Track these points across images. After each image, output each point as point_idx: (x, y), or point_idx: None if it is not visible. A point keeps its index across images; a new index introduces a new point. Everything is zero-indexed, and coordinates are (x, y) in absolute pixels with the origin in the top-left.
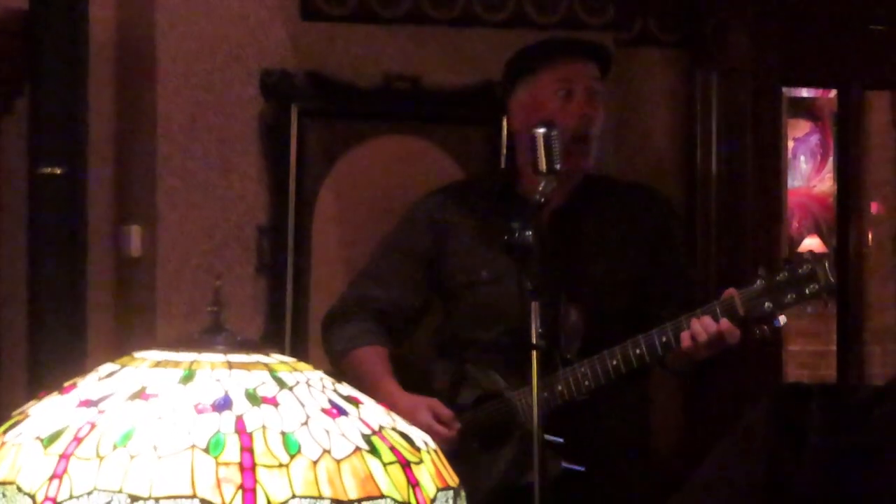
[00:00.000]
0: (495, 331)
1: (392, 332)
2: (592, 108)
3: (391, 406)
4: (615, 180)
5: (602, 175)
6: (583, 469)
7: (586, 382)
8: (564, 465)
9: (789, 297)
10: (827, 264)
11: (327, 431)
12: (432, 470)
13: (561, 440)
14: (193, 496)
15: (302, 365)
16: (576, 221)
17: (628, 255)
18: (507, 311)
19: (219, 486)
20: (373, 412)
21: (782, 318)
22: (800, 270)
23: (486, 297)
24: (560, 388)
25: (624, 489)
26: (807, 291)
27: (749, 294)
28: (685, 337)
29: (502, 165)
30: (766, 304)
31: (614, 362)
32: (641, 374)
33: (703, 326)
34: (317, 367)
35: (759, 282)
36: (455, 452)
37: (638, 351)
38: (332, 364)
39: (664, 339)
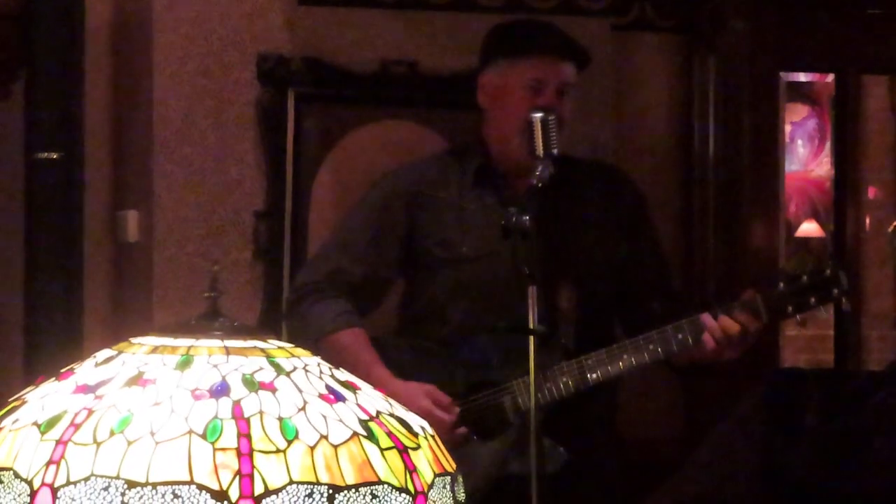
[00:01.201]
0: (472, 309)
1: (359, 307)
2: (560, 104)
3: (386, 393)
4: (579, 159)
5: (565, 154)
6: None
7: (593, 375)
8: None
9: (812, 300)
10: (843, 272)
11: (325, 417)
12: (430, 455)
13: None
14: (191, 482)
15: (299, 350)
16: (552, 202)
17: (607, 235)
18: (493, 291)
19: (216, 471)
20: (370, 398)
21: (800, 318)
22: (823, 274)
23: (468, 275)
24: (566, 379)
25: (595, 464)
26: (830, 294)
27: (772, 296)
28: (708, 340)
29: None
30: (789, 307)
31: (625, 356)
32: None
33: (724, 326)
34: (314, 352)
35: (781, 285)
36: (453, 439)
37: (651, 346)
38: (306, 343)
39: (680, 336)
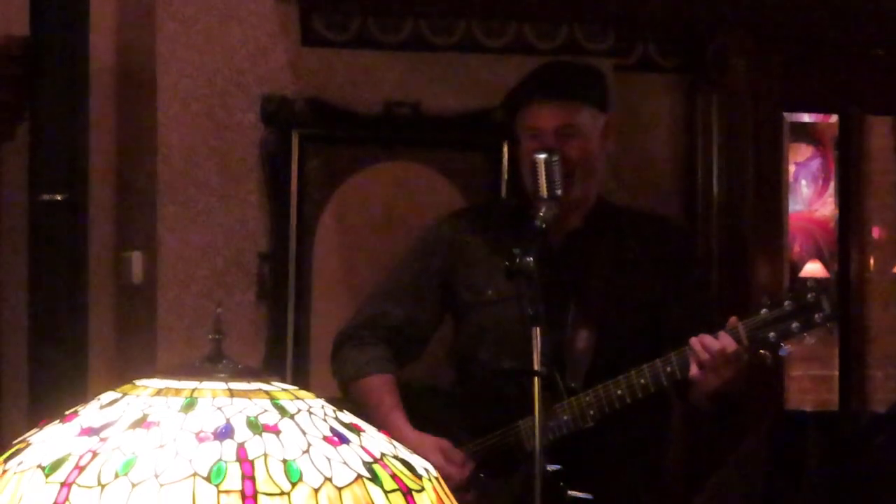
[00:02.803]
0: (497, 352)
1: (401, 351)
2: (564, 145)
3: (400, 441)
4: (636, 210)
5: (622, 204)
6: (591, 497)
7: (591, 412)
8: (571, 493)
9: (794, 325)
10: (828, 297)
11: (329, 459)
12: (434, 497)
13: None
14: None
15: (303, 393)
16: (589, 244)
17: (641, 280)
18: (509, 333)
19: None
20: (374, 440)
21: (787, 348)
22: (805, 299)
23: (490, 318)
24: (565, 417)
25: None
26: (813, 320)
27: (753, 323)
28: (693, 365)
29: (503, 190)
30: (771, 333)
31: (619, 392)
32: (658, 407)
33: (702, 344)
34: (318, 394)
35: (763, 311)
36: (465, 485)
37: (643, 381)
38: (340, 387)
39: (668, 368)
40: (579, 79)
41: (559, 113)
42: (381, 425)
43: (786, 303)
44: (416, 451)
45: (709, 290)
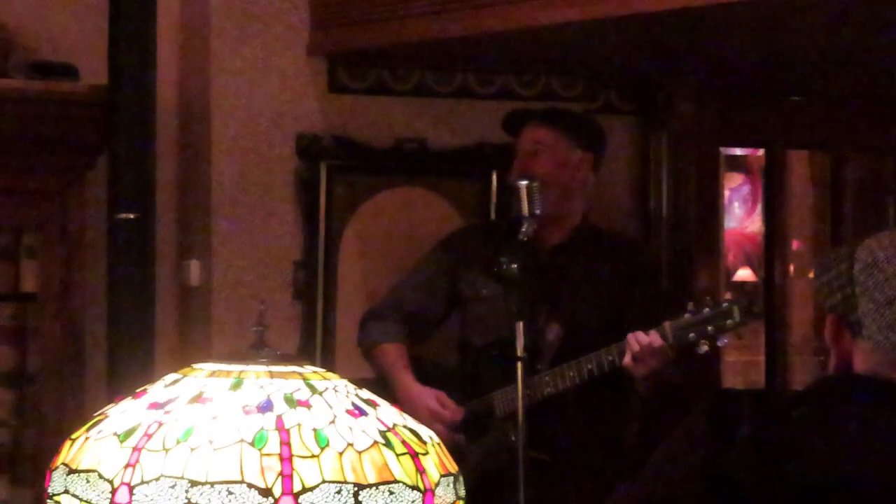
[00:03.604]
0: (485, 338)
1: (415, 332)
2: (528, 163)
3: (406, 393)
4: (611, 232)
5: (601, 227)
6: (547, 458)
7: (547, 389)
8: (530, 453)
9: (710, 328)
10: (739, 307)
11: (351, 428)
12: (436, 460)
13: (546, 458)
14: (242, 482)
15: (330, 374)
16: (569, 258)
17: (607, 290)
18: (496, 324)
19: (262, 473)
20: (388, 413)
21: (704, 347)
22: (720, 307)
23: (481, 311)
24: (528, 391)
25: (583, 479)
26: (724, 325)
27: (678, 324)
28: (627, 354)
29: (492, 211)
30: (691, 334)
31: (570, 374)
32: (614, 390)
33: (635, 338)
34: (342, 375)
35: (687, 314)
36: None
37: (590, 366)
38: (363, 352)
39: (609, 357)
40: (566, 116)
41: (535, 135)
42: (393, 381)
43: (706, 309)
44: (418, 398)
45: (664, 301)
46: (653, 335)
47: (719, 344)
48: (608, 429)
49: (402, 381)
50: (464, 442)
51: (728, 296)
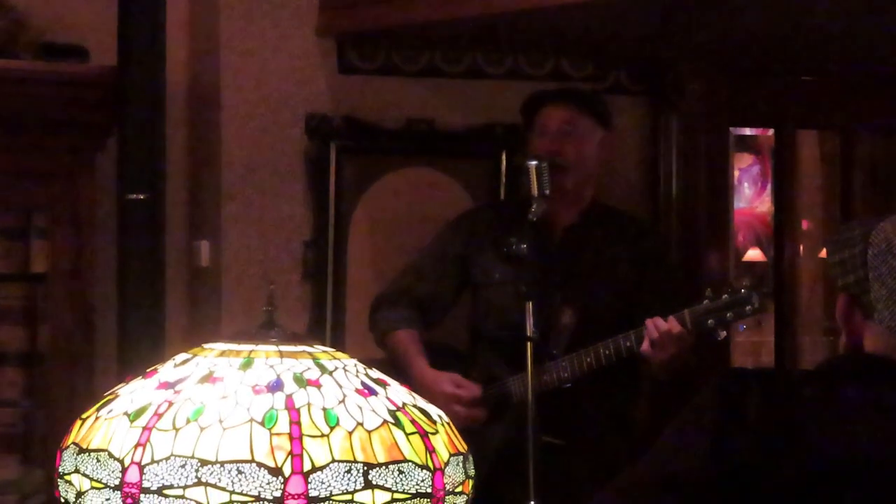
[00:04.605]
0: (498, 324)
1: (425, 317)
2: (558, 143)
3: (421, 379)
4: (622, 211)
5: (611, 206)
6: (562, 443)
7: (565, 374)
8: (546, 438)
9: (729, 315)
10: (757, 293)
11: (360, 408)
12: (446, 439)
13: (562, 442)
14: (252, 461)
15: (340, 354)
16: (581, 238)
17: (619, 271)
18: (508, 309)
19: (272, 452)
20: (397, 392)
21: (722, 333)
22: (739, 294)
23: (494, 296)
24: (545, 377)
25: (598, 461)
26: (744, 311)
27: (697, 311)
28: (646, 341)
29: (501, 191)
30: (710, 321)
31: (588, 359)
32: (627, 374)
33: (654, 325)
34: (352, 355)
35: (706, 301)
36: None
37: (607, 352)
38: (376, 339)
39: (627, 343)
40: (584, 96)
41: (563, 115)
42: (408, 367)
43: (724, 296)
44: (433, 382)
45: (677, 283)
46: (672, 322)
47: (716, 338)
48: (623, 413)
49: (416, 366)
50: (484, 417)
51: (745, 282)
